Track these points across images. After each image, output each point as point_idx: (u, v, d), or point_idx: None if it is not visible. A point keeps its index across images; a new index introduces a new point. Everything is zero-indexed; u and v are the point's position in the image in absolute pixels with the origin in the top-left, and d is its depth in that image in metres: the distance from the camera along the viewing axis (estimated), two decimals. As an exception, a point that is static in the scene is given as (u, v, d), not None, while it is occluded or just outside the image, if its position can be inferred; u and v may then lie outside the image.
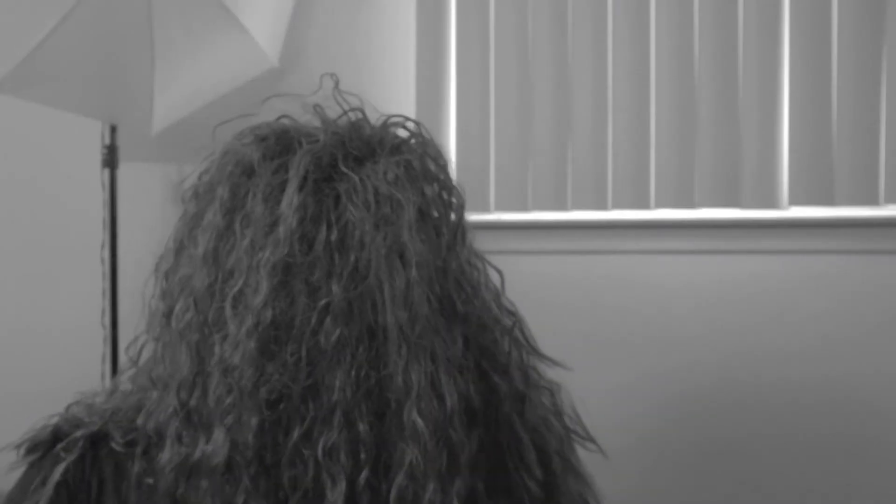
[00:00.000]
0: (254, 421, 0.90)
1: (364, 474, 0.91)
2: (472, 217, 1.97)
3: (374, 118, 1.05)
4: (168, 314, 0.98)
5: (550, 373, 1.09)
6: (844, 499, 1.80)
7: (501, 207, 1.98)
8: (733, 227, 1.87)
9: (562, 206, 1.95)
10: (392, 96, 2.06)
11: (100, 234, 2.09)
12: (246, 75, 2.00)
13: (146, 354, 1.03)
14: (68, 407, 1.04)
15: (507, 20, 1.98)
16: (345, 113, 1.04)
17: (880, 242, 1.80)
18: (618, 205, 1.91)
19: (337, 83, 1.06)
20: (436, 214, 0.99)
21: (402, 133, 1.04)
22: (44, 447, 1.00)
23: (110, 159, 2.07)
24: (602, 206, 1.92)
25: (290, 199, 0.95)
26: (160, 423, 0.95)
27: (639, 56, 1.90)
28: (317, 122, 1.04)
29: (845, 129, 1.78)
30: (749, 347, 1.86)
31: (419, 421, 0.91)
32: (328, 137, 0.99)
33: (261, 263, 0.93)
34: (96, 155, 2.09)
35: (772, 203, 1.83)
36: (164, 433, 0.94)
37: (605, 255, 1.96)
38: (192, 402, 0.94)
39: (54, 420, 1.01)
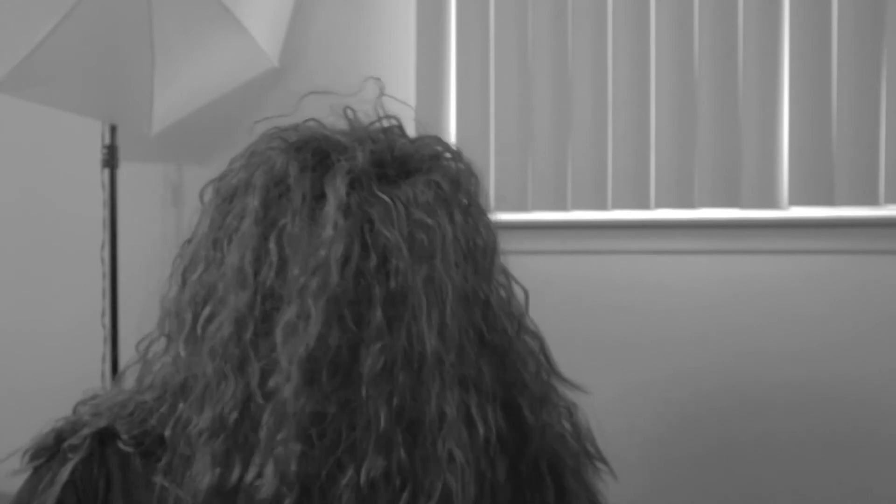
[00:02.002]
0: (297, 450, 0.90)
1: (403, 500, 0.91)
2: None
3: (412, 131, 1.04)
4: (194, 324, 0.97)
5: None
6: (845, 498, 1.80)
7: (501, 207, 1.98)
8: (733, 227, 1.87)
9: (562, 206, 1.95)
10: (391, 97, 2.06)
11: (100, 234, 2.10)
12: (246, 75, 2.00)
13: (152, 352, 1.02)
14: (76, 407, 1.03)
15: (507, 20, 1.98)
16: (378, 120, 1.03)
17: (880, 242, 1.80)
18: (618, 205, 1.91)
19: (382, 89, 1.05)
20: (466, 240, 0.99)
21: (435, 149, 1.02)
22: (48, 452, 0.99)
23: (110, 159, 2.07)
24: (602, 206, 1.92)
25: (334, 222, 0.93)
26: (190, 437, 0.94)
27: (639, 56, 1.90)
28: (344, 125, 1.02)
29: (845, 129, 1.78)
30: (749, 347, 1.86)
31: (457, 450, 0.92)
32: (365, 156, 0.97)
33: (310, 291, 0.92)
34: (96, 155, 2.09)
35: (772, 203, 1.83)
36: (195, 448, 0.93)
37: (605, 255, 1.96)
38: (231, 425, 0.93)
39: (58, 424, 1.01)
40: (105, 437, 0.98)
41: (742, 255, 1.87)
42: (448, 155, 1.03)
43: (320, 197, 0.95)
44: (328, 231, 0.93)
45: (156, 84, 1.91)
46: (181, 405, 0.96)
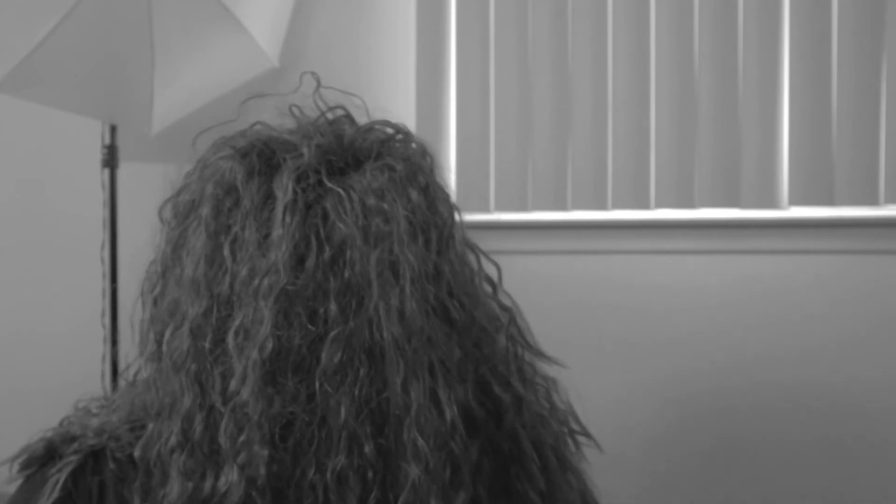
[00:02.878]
0: (265, 454, 0.90)
1: (374, 495, 0.91)
2: (473, 217, 1.99)
3: (362, 119, 1.03)
4: (159, 340, 0.97)
5: (548, 369, 1.08)
6: (846, 499, 1.80)
7: (501, 207, 1.98)
8: (733, 227, 1.87)
9: (562, 206, 1.95)
10: (392, 97, 2.06)
11: (100, 234, 2.09)
12: (246, 75, 1.99)
13: (141, 376, 1.02)
14: (62, 421, 1.03)
15: (507, 20, 1.98)
16: (323, 114, 1.02)
17: (880, 242, 1.80)
18: (618, 205, 1.91)
19: (319, 82, 1.04)
20: (423, 220, 0.98)
21: (385, 133, 1.02)
22: (38, 462, 0.99)
23: (110, 159, 2.07)
24: (602, 206, 1.92)
25: (281, 222, 0.93)
26: (160, 455, 0.94)
27: (639, 56, 1.90)
28: (292, 124, 1.02)
29: (845, 129, 1.78)
30: (749, 347, 1.86)
31: (419, 439, 0.91)
32: (311, 151, 0.97)
33: (260, 293, 0.92)
34: (96, 155, 2.09)
35: (772, 203, 1.83)
36: (167, 466, 0.93)
37: (605, 255, 1.96)
38: (197, 436, 0.92)
39: (48, 434, 1.00)
40: (97, 455, 0.98)
41: (742, 255, 1.87)
42: (399, 137, 1.02)
43: (269, 199, 0.95)
44: (277, 231, 0.93)
45: (156, 84, 1.91)
46: (150, 425, 0.96)
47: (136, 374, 1.02)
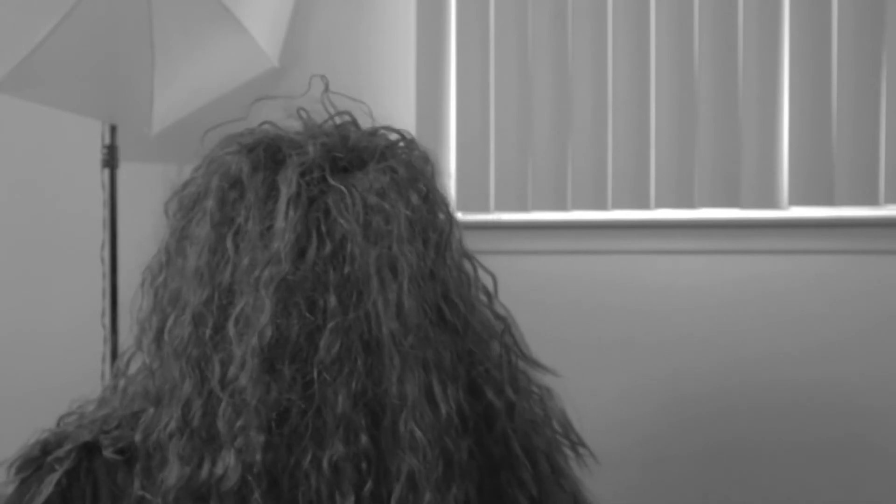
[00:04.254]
0: (261, 440, 0.91)
1: (368, 486, 0.92)
2: (473, 217, 1.99)
3: (367, 125, 1.04)
4: (160, 328, 0.98)
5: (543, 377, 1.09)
6: (846, 499, 1.80)
7: (501, 207, 1.98)
8: (733, 227, 1.87)
9: (562, 206, 1.95)
10: (392, 97, 2.06)
11: (100, 234, 2.09)
12: (246, 75, 1.99)
13: (134, 367, 1.03)
14: (60, 420, 1.04)
15: (507, 20, 1.98)
16: (331, 118, 1.04)
17: (880, 242, 1.80)
18: (618, 205, 1.91)
19: (327, 86, 1.06)
20: (422, 222, 0.99)
21: (390, 138, 1.03)
22: (34, 464, 0.99)
23: (110, 159, 2.07)
24: (602, 206, 1.92)
25: (284, 214, 0.95)
26: (160, 440, 0.95)
27: (639, 56, 1.90)
28: (299, 127, 1.03)
29: (845, 129, 1.78)
30: (749, 347, 1.86)
31: (416, 431, 0.92)
32: (316, 148, 0.99)
33: (261, 281, 0.93)
34: (96, 155, 2.09)
35: (772, 203, 1.83)
36: (166, 450, 0.94)
37: (605, 255, 1.96)
38: (196, 422, 0.94)
39: (44, 436, 1.01)
40: (91, 450, 0.98)
41: (742, 255, 1.87)
42: (402, 144, 1.04)
43: (273, 192, 0.97)
44: (280, 223, 0.95)
45: (156, 84, 1.91)
46: (151, 410, 0.97)
47: (127, 362, 1.03)
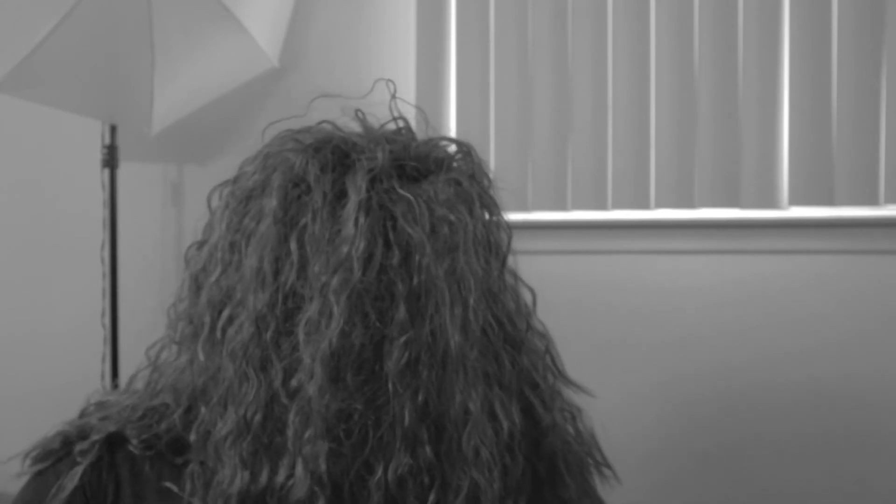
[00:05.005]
0: (326, 448, 0.90)
1: (431, 498, 0.91)
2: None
3: (421, 133, 1.04)
4: (213, 326, 0.96)
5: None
6: (847, 498, 1.80)
7: (501, 207, 1.97)
8: (733, 227, 1.87)
9: (562, 206, 1.95)
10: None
11: (100, 234, 2.10)
12: (246, 75, 2.00)
13: (164, 357, 1.02)
14: (83, 411, 1.02)
15: (507, 20, 1.98)
16: (393, 120, 1.03)
17: (880, 242, 1.80)
18: (618, 205, 1.91)
19: (395, 92, 1.06)
20: (485, 237, 0.99)
21: (449, 149, 1.03)
22: (54, 456, 0.98)
23: (110, 159, 2.07)
24: (602, 206, 1.92)
25: (354, 220, 0.93)
26: (215, 441, 0.93)
27: (639, 56, 1.90)
28: (355, 127, 1.02)
29: (845, 129, 1.78)
30: (749, 347, 1.86)
31: (482, 447, 0.92)
32: (385, 155, 0.97)
33: (331, 288, 0.92)
34: (96, 155, 2.09)
35: (772, 203, 1.83)
36: (221, 452, 0.93)
37: (605, 255, 1.96)
38: (256, 426, 0.92)
39: (64, 428, 1.00)
40: (115, 442, 0.97)
41: (742, 255, 1.87)
42: (461, 154, 1.03)
43: (341, 196, 0.95)
44: (349, 229, 0.93)
45: (156, 84, 1.91)
46: (203, 409, 0.95)
47: (158, 353, 1.02)
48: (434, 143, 1.02)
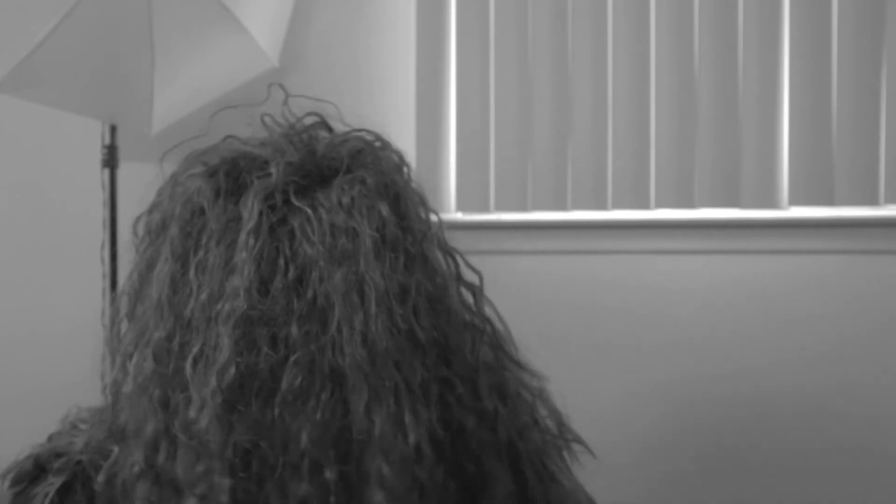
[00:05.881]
0: (226, 483, 0.88)
1: None
2: (473, 217, 1.99)
3: (340, 128, 1.01)
4: (124, 360, 0.96)
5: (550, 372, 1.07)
6: (847, 498, 1.80)
7: (501, 207, 1.98)
8: (733, 227, 1.87)
9: (562, 206, 1.95)
10: (392, 97, 2.06)
11: (100, 234, 2.09)
12: (246, 75, 1.99)
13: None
14: (50, 436, 1.02)
15: (507, 20, 1.98)
16: (298, 121, 1.01)
17: (880, 242, 1.80)
18: (618, 205, 1.91)
19: (287, 93, 1.03)
20: (393, 235, 0.95)
21: (363, 142, 1.00)
22: (27, 478, 0.98)
23: (110, 159, 2.07)
24: (602, 206, 1.92)
25: (245, 244, 0.91)
26: (125, 482, 0.92)
27: (639, 56, 1.90)
28: (264, 133, 1.00)
29: (845, 129, 1.78)
30: (749, 347, 1.86)
31: (384, 466, 0.89)
32: (280, 170, 0.94)
33: (220, 318, 0.90)
34: (96, 155, 2.09)
35: (772, 203, 1.83)
36: (132, 493, 0.91)
37: (605, 255, 1.96)
38: (160, 464, 0.90)
39: (35, 451, 0.99)
40: (86, 468, 0.96)
41: (742, 255, 1.87)
42: (375, 146, 1.00)
43: (236, 221, 0.94)
44: (241, 255, 0.91)
45: (156, 84, 1.90)
46: (115, 449, 0.94)
47: (117, 391, 1.00)
48: (344, 140, 1.00)
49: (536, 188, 1.96)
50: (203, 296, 0.92)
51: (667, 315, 1.91)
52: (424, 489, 0.91)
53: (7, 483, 0.99)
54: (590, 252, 1.96)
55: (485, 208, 1.98)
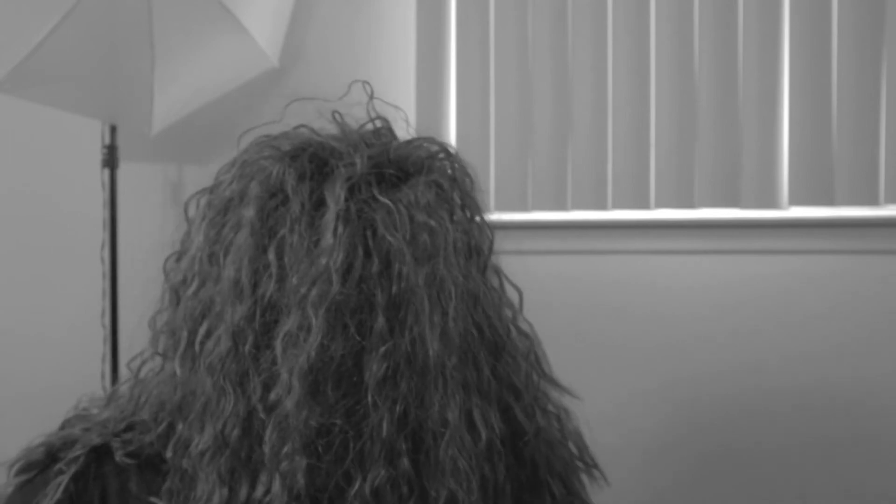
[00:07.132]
0: (305, 464, 0.89)
1: None
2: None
3: (402, 134, 1.02)
4: (191, 339, 0.96)
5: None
6: (847, 499, 1.80)
7: (501, 207, 1.98)
8: (733, 227, 1.87)
9: (562, 206, 1.95)
10: (392, 97, 2.06)
11: (100, 234, 2.10)
12: (246, 75, 2.00)
13: (147, 369, 1.01)
14: (63, 424, 1.02)
15: (507, 20, 1.98)
16: (370, 121, 1.02)
17: (880, 242, 1.80)
18: (618, 205, 1.91)
19: (372, 92, 1.04)
20: (466, 239, 0.98)
21: (431, 149, 1.01)
22: (38, 466, 0.98)
23: (110, 159, 2.07)
24: (602, 206, 1.92)
25: (333, 230, 0.92)
26: (192, 457, 0.93)
27: (639, 56, 1.90)
28: (333, 130, 1.01)
29: (845, 129, 1.78)
30: (749, 347, 1.86)
31: (459, 458, 0.91)
32: (363, 161, 0.95)
33: (310, 301, 0.91)
34: (96, 155, 2.09)
35: (772, 203, 1.83)
36: (198, 469, 0.92)
37: (605, 255, 1.96)
38: (234, 442, 0.91)
39: (48, 439, 0.99)
40: (101, 454, 0.97)
41: (742, 255, 1.87)
42: (443, 155, 1.02)
43: (319, 205, 0.94)
44: (328, 239, 0.92)
45: (156, 84, 1.91)
46: (180, 425, 0.95)
47: (140, 366, 1.01)
48: (415, 143, 1.01)
49: (536, 188, 1.96)
50: (292, 278, 0.92)
51: (667, 315, 1.91)
52: (488, 486, 0.94)
53: (15, 471, 0.98)
54: (590, 252, 1.96)
55: (485, 208, 1.98)
